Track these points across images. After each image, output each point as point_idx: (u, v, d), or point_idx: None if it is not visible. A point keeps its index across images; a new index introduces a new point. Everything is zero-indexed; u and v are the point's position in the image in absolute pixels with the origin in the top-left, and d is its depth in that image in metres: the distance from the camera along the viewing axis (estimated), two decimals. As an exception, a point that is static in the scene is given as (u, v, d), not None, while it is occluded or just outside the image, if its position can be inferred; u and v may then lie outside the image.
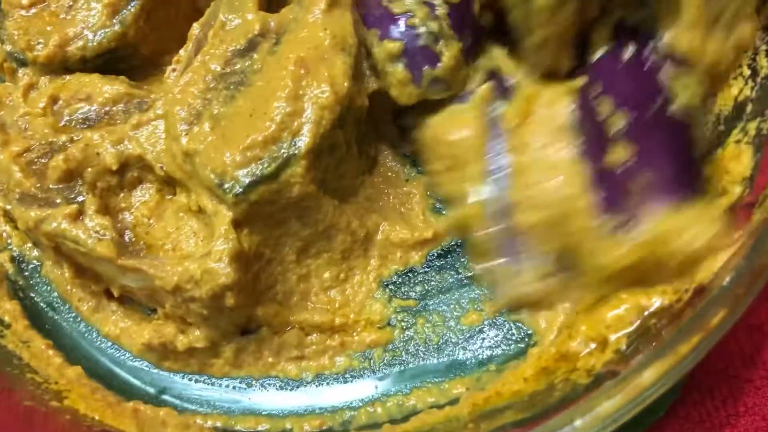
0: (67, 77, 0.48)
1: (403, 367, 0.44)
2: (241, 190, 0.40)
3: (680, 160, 0.39)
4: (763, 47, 0.42)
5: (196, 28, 0.46)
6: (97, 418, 0.40)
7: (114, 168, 0.43)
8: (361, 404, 0.43)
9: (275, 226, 0.43)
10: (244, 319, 0.43)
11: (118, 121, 0.46)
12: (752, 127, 0.41)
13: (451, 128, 0.43)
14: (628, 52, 0.40)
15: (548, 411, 0.36)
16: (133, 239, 0.44)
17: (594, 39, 0.42)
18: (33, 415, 0.40)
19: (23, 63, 0.48)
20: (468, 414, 0.41)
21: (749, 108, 0.42)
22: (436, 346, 0.44)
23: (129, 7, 0.48)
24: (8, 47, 0.48)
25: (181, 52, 0.45)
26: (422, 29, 0.42)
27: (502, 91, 0.43)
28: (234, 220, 0.41)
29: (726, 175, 0.40)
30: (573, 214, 0.39)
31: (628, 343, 0.38)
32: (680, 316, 0.35)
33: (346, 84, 0.41)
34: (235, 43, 0.43)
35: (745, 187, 0.39)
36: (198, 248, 0.42)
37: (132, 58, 0.49)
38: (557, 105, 0.41)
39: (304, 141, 0.40)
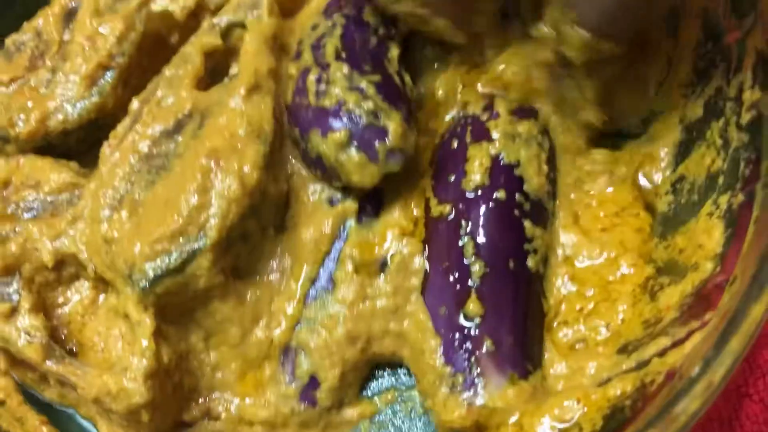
0: (22, 160, 0.48)
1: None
2: (146, 283, 0.41)
3: (524, 331, 0.41)
4: (734, 118, 0.41)
5: (135, 103, 0.46)
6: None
7: (50, 265, 0.44)
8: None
9: (186, 316, 0.43)
10: (170, 424, 0.43)
11: (61, 212, 0.46)
12: (723, 201, 0.39)
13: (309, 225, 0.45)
14: (501, 194, 0.42)
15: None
16: (65, 336, 0.45)
17: None
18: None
19: (6, 140, 0.49)
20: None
21: (721, 180, 0.40)
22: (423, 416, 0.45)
23: (106, 77, 0.49)
24: (-10, 125, 0.49)
25: (119, 127, 0.46)
26: (358, 110, 0.41)
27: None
28: (154, 332, 0.41)
29: (698, 250, 0.39)
30: (425, 357, 0.42)
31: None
32: (650, 403, 0.35)
33: (255, 176, 0.41)
34: (164, 122, 0.44)
35: (716, 264, 0.37)
36: (124, 353, 0.42)
37: (112, 126, 0.49)
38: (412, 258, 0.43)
39: (210, 235, 0.41)
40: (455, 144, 0.45)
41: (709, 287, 0.37)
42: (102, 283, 0.45)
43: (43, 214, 0.47)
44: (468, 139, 0.45)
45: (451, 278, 0.42)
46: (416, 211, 0.45)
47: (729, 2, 0.43)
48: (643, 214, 0.45)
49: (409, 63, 0.48)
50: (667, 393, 0.32)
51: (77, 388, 0.42)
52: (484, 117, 0.45)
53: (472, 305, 0.41)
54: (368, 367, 0.46)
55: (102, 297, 0.46)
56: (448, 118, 0.47)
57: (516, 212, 0.42)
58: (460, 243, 0.42)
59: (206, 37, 0.47)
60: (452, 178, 0.44)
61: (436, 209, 0.44)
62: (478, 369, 0.40)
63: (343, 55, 0.44)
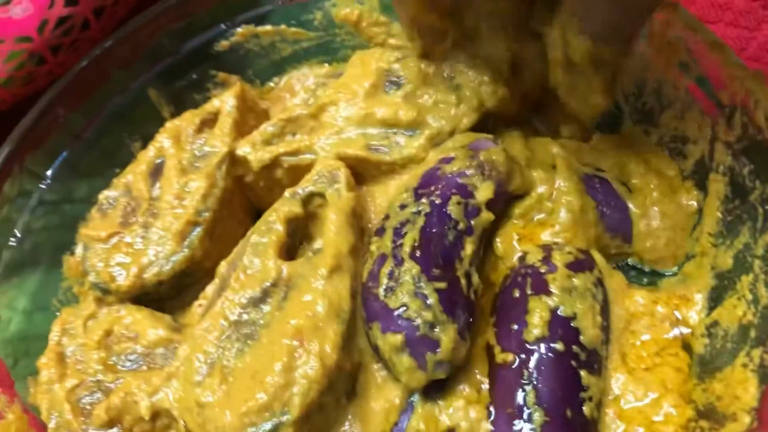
0: (123, 311, 0.53)
1: None
2: None
3: None
4: (762, 276, 0.46)
5: (223, 266, 0.51)
6: None
7: (147, 418, 0.49)
8: None
9: None
10: None
11: (156, 366, 0.51)
12: (756, 354, 0.44)
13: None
14: (560, 345, 0.46)
15: None
16: None
17: None
18: None
19: (107, 291, 0.54)
20: None
21: (753, 333, 0.45)
22: None
23: (194, 232, 0.54)
24: (92, 278, 0.54)
25: (208, 289, 0.51)
26: (418, 320, 0.45)
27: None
28: None
29: (736, 400, 0.43)
30: None
31: None
32: None
33: (335, 356, 0.46)
34: (251, 289, 0.48)
35: (753, 418, 0.41)
36: None
37: (198, 273, 0.55)
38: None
39: (292, 412, 0.45)
40: (517, 294, 0.49)
41: (751, 444, 0.42)
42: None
43: (141, 366, 0.52)
44: (528, 290, 0.49)
45: (515, 425, 0.46)
46: (479, 376, 0.49)
47: (753, 167, 0.49)
48: (682, 354, 0.50)
49: (484, 256, 0.53)
50: None
51: None
52: (543, 270, 0.49)
53: None
54: None
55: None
56: (508, 267, 0.52)
57: (573, 363, 0.47)
58: (522, 391, 0.46)
59: (288, 205, 0.51)
60: (515, 328, 0.48)
61: (500, 356, 0.48)
62: None
63: (418, 253, 0.48)
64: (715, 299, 0.51)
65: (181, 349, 0.50)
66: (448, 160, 0.53)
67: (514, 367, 0.47)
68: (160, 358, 0.52)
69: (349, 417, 0.49)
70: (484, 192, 0.52)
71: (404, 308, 0.46)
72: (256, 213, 0.58)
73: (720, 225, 0.52)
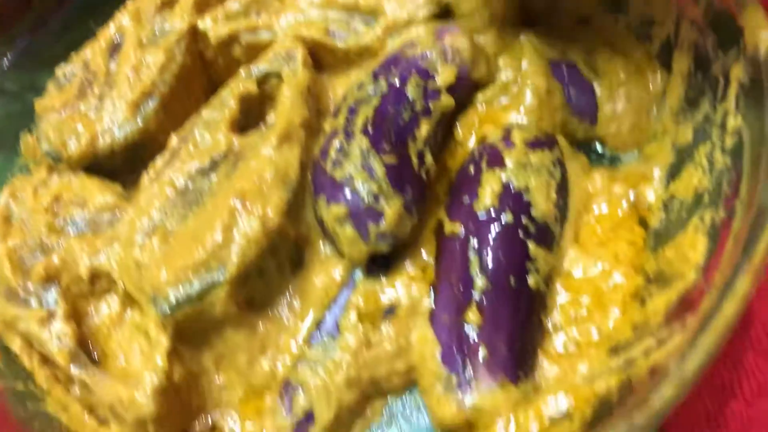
0: (73, 178, 0.53)
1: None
2: (167, 308, 0.45)
3: (518, 342, 0.43)
4: (719, 143, 0.45)
5: (174, 139, 0.51)
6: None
7: (85, 278, 0.49)
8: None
9: (201, 339, 0.47)
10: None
11: (101, 231, 0.51)
12: (708, 217, 0.43)
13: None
14: (508, 216, 0.46)
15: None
16: (92, 344, 0.48)
17: None
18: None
19: (58, 159, 0.54)
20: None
21: (706, 198, 0.44)
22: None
23: (149, 104, 0.54)
24: (45, 146, 0.54)
25: (158, 160, 0.50)
26: (363, 192, 0.45)
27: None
28: (169, 351, 0.45)
29: (685, 261, 0.42)
30: (426, 361, 0.45)
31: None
32: (634, 395, 0.39)
33: (277, 220, 0.45)
34: (200, 160, 0.48)
35: (699, 273, 0.40)
36: (140, 367, 0.46)
37: (153, 148, 0.55)
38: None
39: (229, 269, 0.45)
40: (472, 169, 0.49)
41: (692, 294, 0.41)
42: (129, 300, 0.49)
43: (85, 231, 0.52)
44: (483, 165, 0.48)
45: (456, 290, 0.45)
46: (426, 257, 0.48)
47: (716, 37, 0.48)
48: (638, 229, 0.49)
49: (443, 141, 0.52)
50: (648, 386, 0.36)
51: (94, 393, 0.46)
52: (501, 146, 0.49)
53: (472, 315, 0.44)
54: (365, 408, 0.47)
55: (128, 312, 0.50)
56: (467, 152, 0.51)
57: (521, 234, 0.46)
58: (468, 259, 0.45)
59: (243, 83, 0.51)
60: (466, 200, 0.47)
61: (449, 227, 0.47)
62: (472, 372, 0.43)
63: (369, 129, 0.47)
64: (673, 174, 0.50)
65: (126, 214, 0.50)
66: (411, 45, 0.53)
67: (461, 237, 0.47)
68: (105, 224, 0.52)
69: (291, 290, 0.48)
70: (445, 75, 0.51)
71: (350, 180, 0.46)
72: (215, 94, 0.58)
73: (682, 101, 0.51)
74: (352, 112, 0.49)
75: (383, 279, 0.47)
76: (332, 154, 0.47)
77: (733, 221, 0.41)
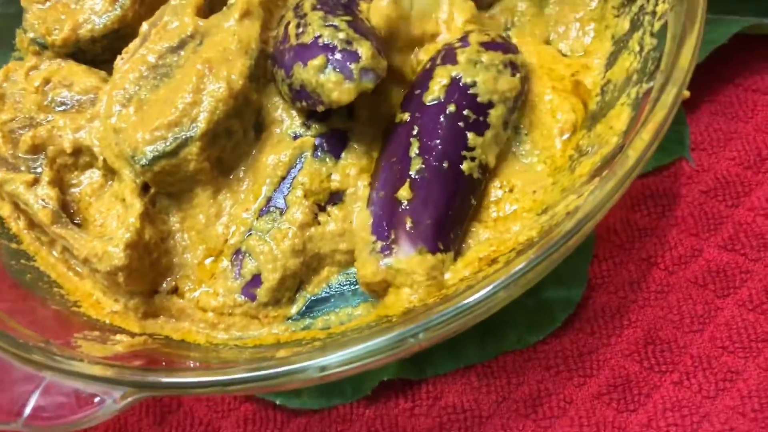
0: (63, 63, 0.57)
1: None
2: (146, 162, 0.49)
3: (443, 218, 0.47)
4: (649, 27, 0.49)
5: (144, 26, 0.54)
6: (107, 321, 0.50)
7: (69, 151, 0.53)
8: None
9: (172, 198, 0.51)
10: (144, 292, 0.51)
11: (85, 110, 0.55)
12: (633, 91, 0.47)
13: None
14: (452, 107, 0.49)
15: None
16: (74, 210, 0.53)
17: None
18: (60, 315, 0.49)
19: (44, 46, 0.58)
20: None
21: (635, 77, 0.48)
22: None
23: (126, -7, 0.58)
24: (31, 34, 0.59)
25: (130, 45, 0.54)
26: (334, 41, 0.47)
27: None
28: (142, 214, 0.49)
29: (610, 131, 0.47)
30: (359, 232, 0.49)
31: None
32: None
33: (241, 82, 0.49)
34: (169, 41, 0.52)
35: (620, 137, 0.45)
36: (116, 228, 0.50)
37: (130, 37, 0.58)
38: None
39: (199, 126, 0.49)
40: (428, 66, 0.52)
41: (611, 155, 0.45)
42: (110, 173, 0.53)
43: (70, 109, 0.56)
44: (438, 62, 0.51)
45: (394, 170, 0.49)
46: (375, 153, 0.52)
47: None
48: (579, 107, 0.53)
49: None
50: (565, 222, 0.41)
51: (73, 249, 0.50)
52: (456, 45, 0.52)
53: (404, 191, 0.47)
54: (309, 278, 0.52)
55: (109, 184, 0.54)
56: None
57: (461, 124, 0.49)
58: (409, 143, 0.49)
59: None
60: (417, 92, 0.51)
61: (398, 117, 0.51)
62: (395, 238, 0.47)
63: (318, 5, 0.51)
64: (611, 63, 0.53)
65: (102, 90, 0.53)
66: None
67: (406, 124, 0.50)
68: (88, 103, 0.56)
69: (249, 162, 0.52)
70: None
71: (318, 37, 0.48)
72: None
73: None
74: (297, 7, 0.52)
75: (329, 162, 0.51)
76: (292, 32, 0.50)
77: (651, 90, 0.45)
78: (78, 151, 0.54)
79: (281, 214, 0.51)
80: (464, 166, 0.48)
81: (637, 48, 0.50)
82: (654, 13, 0.50)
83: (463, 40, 0.52)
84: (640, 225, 0.54)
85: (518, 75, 0.51)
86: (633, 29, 0.52)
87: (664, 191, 0.55)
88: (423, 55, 0.54)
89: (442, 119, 0.49)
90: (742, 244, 0.52)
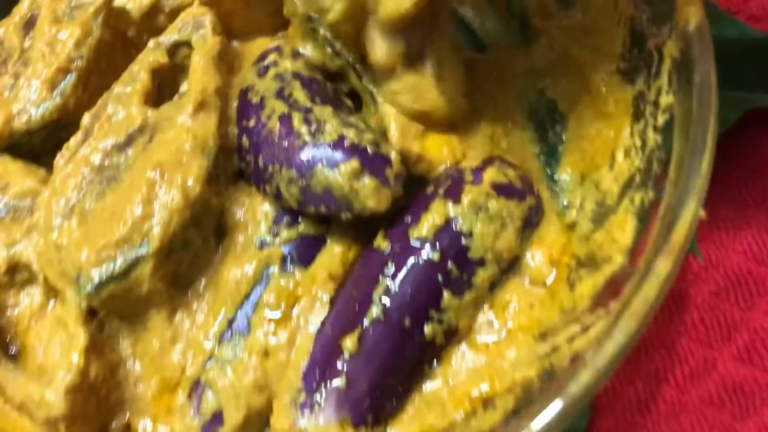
0: None
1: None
2: (91, 288, 0.43)
3: (383, 385, 0.41)
4: (652, 121, 0.44)
5: (86, 118, 0.49)
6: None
7: (2, 269, 0.46)
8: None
9: (125, 322, 0.45)
10: None
11: (21, 217, 0.48)
12: (638, 197, 0.42)
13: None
14: (436, 255, 0.42)
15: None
16: (10, 337, 0.46)
17: None
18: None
19: (-28, 142, 0.52)
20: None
21: (637, 178, 0.43)
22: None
23: (67, 79, 0.51)
24: (-42, 127, 0.52)
25: (71, 140, 0.48)
26: (364, 142, 0.43)
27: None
28: (88, 345, 0.42)
29: (613, 244, 0.41)
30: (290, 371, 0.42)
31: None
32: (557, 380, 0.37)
33: (198, 189, 0.44)
34: (115, 136, 0.46)
35: (626, 256, 0.39)
36: (58, 363, 0.43)
37: (75, 125, 0.52)
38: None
39: (152, 242, 0.43)
40: (429, 191, 0.45)
41: (617, 278, 0.39)
42: (53, 291, 0.47)
43: (5, 217, 0.49)
44: (441, 191, 0.45)
45: (351, 308, 0.42)
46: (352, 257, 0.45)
47: (652, 12, 0.46)
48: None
49: None
50: (570, 373, 0.35)
51: (6, 390, 0.43)
52: (468, 177, 0.45)
53: (350, 341, 0.41)
54: None
55: (51, 303, 0.47)
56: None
57: (440, 278, 0.42)
58: (377, 281, 0.43)
59: (152, 54, 0.49)
60: (407, 220, 0.44)
61: (378, 241, 0.45)
62: (322, 397, 0.40)
63: (318, 99, 0.45)
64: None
65: (40, 198, 0.47)
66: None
67: (382, 255, 0.44)
68: (25, 210, 0.49)
69: (210, 274, 0.46)
70: None
71: (344, 138, 0.43)
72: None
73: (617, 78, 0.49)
74: (284, 97, 0.47)
75: (298, 274, 0.45)
76: (302, 129, 0.44)
77: (661, 202, 0.40)
78: (14, 268, 0.47)
79: (244, 338, 0.44)
80: (428, 328, 0.42)
81: (639, 143, 0.45)
82: (657, 104, 0.45)
83: (478, 173, 0.45)
84: (646, 333, 0.49)
85: (524, 236, 0.44)
86: (632, 119, 0.47)
87: (671, 293, 0.50)
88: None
89: (421, 266, 0.42)
90: (760, 356, 0.47)
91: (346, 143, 0.43)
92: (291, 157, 0.44)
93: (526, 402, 0.37)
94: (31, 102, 0.51)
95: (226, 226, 0.47)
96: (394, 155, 0.43)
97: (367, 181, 0.42)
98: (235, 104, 0.49)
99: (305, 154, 0.44)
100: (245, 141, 0.47)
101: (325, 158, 0.43)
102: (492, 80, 0.52)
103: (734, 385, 0.47)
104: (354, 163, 0.42)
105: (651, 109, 0.45)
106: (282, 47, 0.50)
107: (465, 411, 0.41)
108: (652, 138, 0.44)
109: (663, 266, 0.36)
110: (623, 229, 0.42)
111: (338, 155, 0.43)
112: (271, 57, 0.50)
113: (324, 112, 0.45)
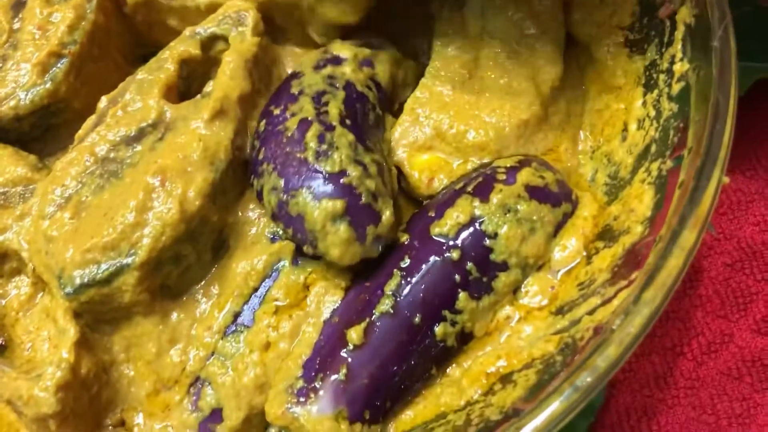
0: None
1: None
2: (71, 290, 0.41)
3: (384, 382, 0.40)
4: (666, 89, 0.43)
5: (103, 101, 0.47)
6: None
7: None
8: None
9: (112, 325, 0.43)
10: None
11: (12, 204, 0.46)
12: (654, 167, 0.41)
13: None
14: (456, 254, 0.41)
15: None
16: None
17: None
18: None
19: (-41, 126, 0.50)
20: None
21: (653, 148, 0.42)
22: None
23: (59, 64, 0.49)
24: (-57, 111, 0.50)
25: (88, 120, 0.46)
26: (361, 188, 0.40)
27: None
28: (78, 341, 0.41)
29: (631, 214, 0.40)
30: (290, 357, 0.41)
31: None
32: (579, 355, 0.37)
33: (197, 203, 0.41)
34: (127, 127, 0.44)
35: (645, 227, 0.38)
36: (47, 357, 0.42)
37: (65, 113, 0.50)
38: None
39: (139, 254, 0.40)
40: (459, 186, 0.44)
41: (638, 249, 0.38)
42: (41, 282, 0.45)
43: (-6, 205, 0.47)
44: (470, 188, 0.43)
45: (362, 299, 0.41)
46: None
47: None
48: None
49: None
50: (593, 345, 0.34)
51: None
52: (500, 176, 0.43)
53: (355, 332, 0.40)
54: None
55: (40, 295, 0.45)
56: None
57: (457, 278, 0.41)
58: (391, 274, 0.41)
59: (185, 44, 0.46)
60: (430, 215, 0.43)
61: (398, 233, 0.43)
62: (319, 386, 0.39)
63: (348, 122, 0.43)
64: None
65: (40, 185, 0.45)
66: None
67: (399, 249, 0.42)
68: (16, 197, 0.47)
69: (210, 277, 0.44)
70: None
71: (345, 174, 0.40)
72: (143, 59, 0.52)
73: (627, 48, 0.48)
74: (319, 102, 0.44)
75: (308, 268, 0.43)
76: (311, 144, 0.42)
77: (680, 171, 0.39)
78: (3, 255, 0.45)
79: (248, 332, 0.42)
80: (439, 329, 0.40)
81: (653, 112, 0.44)
82: (670, 72, 0.43)
83: (512, 173, 0.43)
84: (661, 307, 0.48)
85: (553, 239, 0.42)
86: (645, 89, 0.46)
87: (685, 266, 0.49)
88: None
89: (438, 263, 0.41)
90: (778, 327, 0.46)
91: (343, 180, 0.40)
92: (285, 166, 0.42)
93: (549, 377, 0.36)
94: (20, 86, 0.49)
95: (228, 240, 0.45)
96: (386, 216, 0.41)
97: (342, 229, 0.40)
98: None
99: (299, 171, 0.41)
100: (262, 125, 0.45)
101: (314, 185, 0.40)
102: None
103: (752, 356, 0.46)
104: (338, 205, 0.40)
105: (665, 78, 0.44)
106: (358, 53, 0.47)
107: (482, 389, 0.40)
108: (667, 107, 0.43)
109: (688, 237, 0.35)
110: (641, 199, 0.41)
111: (328, 188, 0.40)
112: (341, 54, 0.47)
113: (343, 138, 0.42)
